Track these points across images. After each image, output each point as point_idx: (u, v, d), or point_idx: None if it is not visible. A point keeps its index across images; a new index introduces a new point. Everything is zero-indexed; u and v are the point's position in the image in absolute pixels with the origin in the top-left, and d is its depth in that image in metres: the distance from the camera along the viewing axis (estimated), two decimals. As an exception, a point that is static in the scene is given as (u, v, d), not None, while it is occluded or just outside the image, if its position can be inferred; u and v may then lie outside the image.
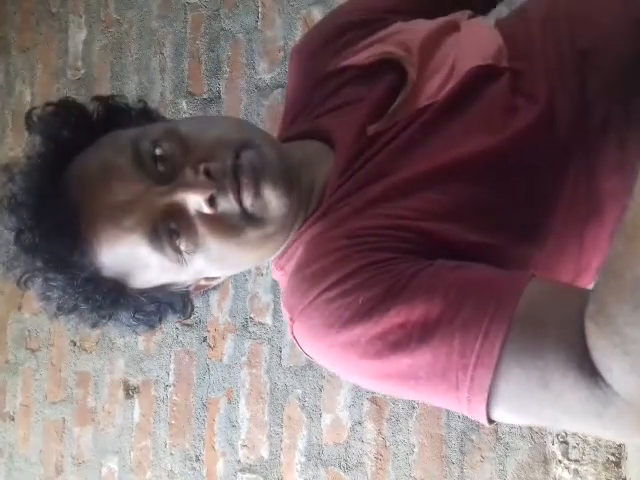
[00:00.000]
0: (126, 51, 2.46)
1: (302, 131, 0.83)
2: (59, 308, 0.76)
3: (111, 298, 0.75)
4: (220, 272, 0.80)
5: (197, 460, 2.13)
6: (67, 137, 0.76)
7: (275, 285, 2.05)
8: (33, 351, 2.49)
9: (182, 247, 0.70)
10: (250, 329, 2.09)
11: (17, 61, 2.72)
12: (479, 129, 0.70)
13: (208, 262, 0.73)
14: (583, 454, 1.62)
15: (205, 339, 2.16)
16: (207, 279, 0.81)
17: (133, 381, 2.27)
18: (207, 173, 0.68)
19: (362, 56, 0.82)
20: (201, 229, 0.70)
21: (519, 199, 0.68)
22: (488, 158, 0.68)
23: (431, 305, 0.58)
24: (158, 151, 0.70)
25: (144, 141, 0.71)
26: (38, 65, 2.65)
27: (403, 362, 0.59)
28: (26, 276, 0.74)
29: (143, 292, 0.77)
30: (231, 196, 0.68)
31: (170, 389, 2.20)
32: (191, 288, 0.82)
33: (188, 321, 2.19)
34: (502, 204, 0.68)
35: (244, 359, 2.08)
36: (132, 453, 2.25)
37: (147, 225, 0.69)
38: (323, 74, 0.85)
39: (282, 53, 2.15)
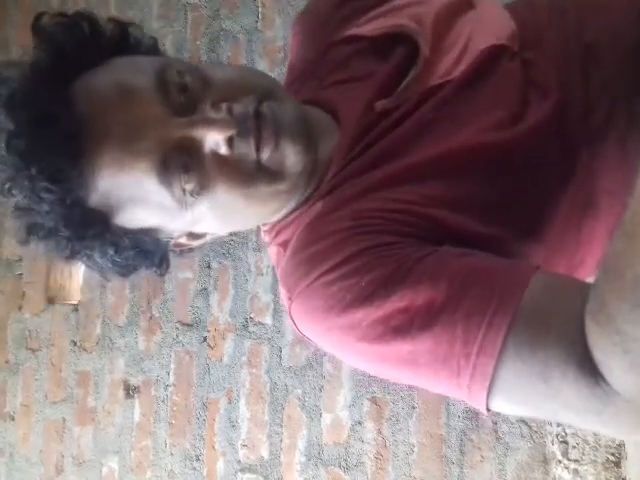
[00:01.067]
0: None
1: (307, 99, 0.78)
2: (37, 228, 0.68)
3: (94, 230, 0.68)
4: (217, 226, 0.74)
5: (197, 460, 2.12)
6: (76, 48, 0.70)
7: (275, 285, 2.05)
8: (33, 351, 2.49)
9: (189, 186, 0.65)
10: (250, 329, 2.09)
11: (17, 61, 2.72)
12: (492, 115, 0.68)
13: (211, 210, 0.68)
14: (583, 454, 1.62)
15: (205, 339, 2.16)
16: (190, 236, 0.76)
17: (133, 381, 2.27)
18: (229, 113, 0.65)
19: (372, 27, 0.78)
20: (213, 170, 0.65)
21: (526, 193, 0.68)
22: (499, 151, 0.67)
23: (435, 292, 0.57)
24: (186, 79, 0.66)
25: (170, 69, 0.67)
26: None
27: (404, 348, 0.58)
28: (11, 182, 0.65)
29: (126, 232, 0.70)
30: (251, 141, 0.65)
31: (170, 389, 2.20)
32: (171, 242, 0.76)
33: (188, 321, 2.19)
34: (509, 197, 0.67)
35: (244, 359, 2.08)
36: (132, 453, 2.25)
37: (158, 154, 0.64)
38: (329, 42, 0.81)
39: (282, 53, 2.15)
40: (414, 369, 0.59)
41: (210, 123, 0.64)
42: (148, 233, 0.72)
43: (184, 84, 0.66)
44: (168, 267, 0.78)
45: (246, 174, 0.66)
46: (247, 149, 0.65)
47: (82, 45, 0.70)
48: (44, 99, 0.64)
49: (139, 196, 0.66)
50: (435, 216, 0.64)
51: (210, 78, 0.68)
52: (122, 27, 0.74)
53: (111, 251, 0.71)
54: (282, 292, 0.71)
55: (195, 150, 0.65)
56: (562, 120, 0.68)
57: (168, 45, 2.37)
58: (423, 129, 0.69)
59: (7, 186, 0.66)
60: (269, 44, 2.18)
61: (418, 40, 0.73)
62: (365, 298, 0.60)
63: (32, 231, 0.68)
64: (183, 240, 0.77)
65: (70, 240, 0.69)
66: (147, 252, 0.74)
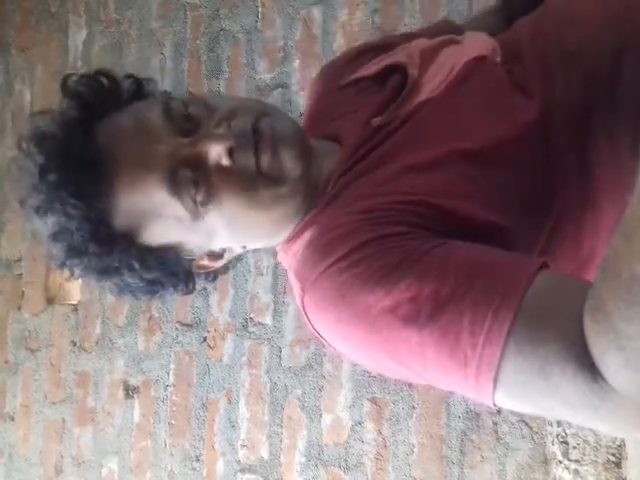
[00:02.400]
0: (126, 51, 2.46)
1: (314, 135, 0.86)
2: (70, 249, 0.76)
3: (121, 246, 0.76)
4: (230, 236, 0.79)
5: (197, 460, 2.13)
6: (97, 98, 0.80)
7: (275, 285, 2.05)
8: (33, 351, 2.49)
9: (199, 197, 0.72)
10: (250, 329, 2.09)
11: (17, 61, 2.72)
12: (481, 114, 0.73)
13: (221, 220, 0.74)
14: (583, 454, 1.62)
15: (205, 339, 2.16)
16: (210, 257, 0.83)
17: (133, 381, 2.27)
18: (228, 129, 0.72)
19: (371, 68, 0.87)
20: (216, 181, 0.72)
21: (523, 186, 0.70)
22: (493, 145, 0.70)
23: (442, 283, 0.59)
24: (188, 109, 0.74)
25: (175, 100, 0.76)
26: (38, 65, 2.66)
27: (412, 338, 0.60)
28: (45, 206, 0.75)
29: (151, 250, 0.78)
30: (250, 152, 0.72)
31: (170, 389, 2.20)
32: (195, 263, 0.82)
33: (188, 321, 2.19)
34: (507, 188, 0.69)
35: (244, 359, 2.08)
36: (132, 453, 2.25)
37: (167, 168, 0.72)
38: (337, 87, 0.90)
39: (282, 53, 2.15)
40: (422, 361, 0.60)
41: (211, 137, 0.72)
42: (171, 250, 0.78)
43: (188, 114, 0.74)
44: (194, 287, 0.85)
45: (247, 182, 0.72)
46: (247, 160, 0.72)
47: (102, 96, 0.80)
48: (69, 135, 0.74)
49: (155, 211, 0.74)
50: (441, 205, 0.67)
51: (213, 105, 0.76)
52: (137, 81, 0.85)
53: (137, 266, 0.78)
54: (295, 288, 0.74)
55: (201, 164, 0.72)
56: (549, 117, 0.71)
57: (168, 45, 2.37)
58: (418, 132, 0.74)
59: (41, 210, 0.75)
60: (269, 44, 2.18)
61: (407, 67, 0.81)
62: (374, 284, 0.62)
63: (67, 253, 0.76)
64: (205, 262, 0.83)
65: (99, 257, 0.76)
66: (172, 270, 0.81)
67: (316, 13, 2.11)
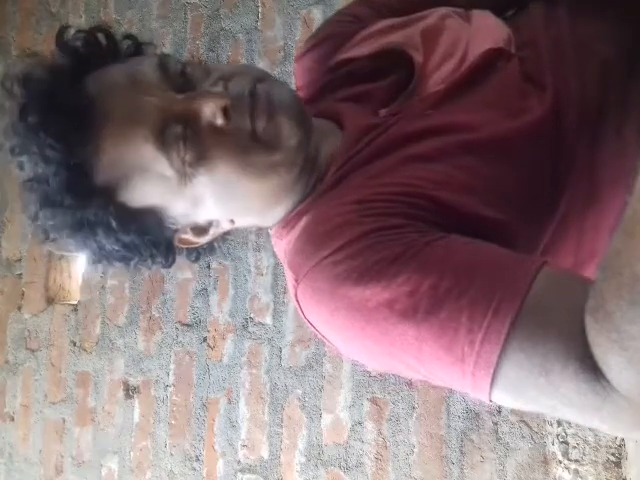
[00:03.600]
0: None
1: (312, 111, 0.82)
2: (44, 198, 0.71)
3: (98, 201, 0.71)
4: (218, 206, 0.74)
5: (197, 460, 2.12)
6: (92, 51, 0.76)
7: (275, 285, 2.05)
8: (33, 351, 2.49)
9: (188, 157, 0.68)
10: (250, 329, 2.09)
11: (17, 61, 2.71)
12: (492, 109, 0.71)
13: (210, 186, 0.70)
14: (583, 454, 1.62)
15: (205, 339, 2.16)
16: (194, 231, 0.78)
17: (133, 381, 2.27)
18: (225, 88, 0.69)
19: (363, 49, 0.83)
20: (209, 141, 0.69)
21: (528, 180, 0.69)
22: (501, 140, 0.69)
23: (441, 277, 0.58)
24: (185, 68, 0.71)
25: (172, 58, 0.73)
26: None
27: (409, 333, 0.58)
28: (20, 147, 0.70)
29: (132, 211, 0.72)
30: (245, 114, 0.68)
31: (170, 389, 2.20)
32: (177, 235, 0.77)
33: (188, 321, 2.19)
34: (512, 183, 0.68)
35: (244, 359, 2.08)
36: (132, 453, 2.24)
37: (157, 122, 0.68)
38: (326, 69, 0.86)
39: (282, 53, 2.15)
40: (418, 356, 0.59)
41: (206, 94, 0.69)
42: (152, 215, 0.73)
43: (184, 70, 0.71)
44: (174, 259, 0.79)
45: (242, 144, 0.69)
46: (242, 121, 0.68)
47: (97, 49, 0.77)
48: (59, 79, 0.71)
49: (140, 166, 0.69)
50: (440, 197, 0.65)
51: (210, 68, 0.73)
52: (136, 42, 0.81)
53: (115, 225, 0.72)
54: (288, 278, 0.71)
55: (193, 121, 0.68)
56: (561, 112, 0.69)
57: (168, 45, 2.37)
58: (424, 124, 0.71)
59: (17, 149, 0.71)
60: (269, 44, 2.18)
61: (409, 51, 0.77)
62: (372, 277, 0.60)
63: (41, 202, 0.71)
64: (188, 236, 0.78)
65: (74, 210, 0.71)
66: (152, 238, 0.75)
67: (316, 13, 2.11)
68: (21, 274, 2.57)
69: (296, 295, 0.68)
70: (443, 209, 0.65)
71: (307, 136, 0.72)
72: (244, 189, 0.72)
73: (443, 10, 0.83)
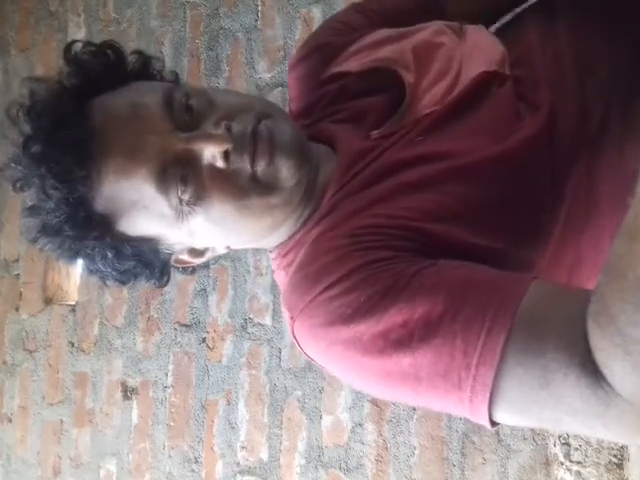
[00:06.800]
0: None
1: (306, 131, 0.83)
2: (44, 227, 0.73)
3: (96, 232, 0.73)
4: (212, 240, 0.77)
5: (196, 462, 2.12)
6: (99, 71, 0.76)
7: (274, 286, 2.04)
8: (31, 352, 2.49)
9: (186, 196, 0.69)
10: (249, 330, 2.08)
11: (16, 61, 2.71)
12: (483, 135, 0.71)
13: (205, 223, 0.72)
14: (585, 456, 1.61)
15: (204, 340, 2.15)
16: (192, 253, 0.80)
17: (131, 382, 2.27)
18: (228, 130, 0.70)
19: (355, 64, 0.83)
20: (208, 182, 0.70)
21: (521, 204, 0.69)
22: (491, 164, 0.69)
23: (433, 304, 0.58)
24: (190, 101, 0.72)
25: (177, 91, 0.73)
26: (37, 65, 2.65)
27: (405, 361, 0.59)
28: (24, 180, 0.72)
29: (129, 239, 0.75)
30: (246, 156, 0.69)
31: (169, 390, 2.20)
32: (174, 257, 0.80)
33: (187, 322, 2.19)
34: (504, 208, 0.68)
35: (243, 360, 2.08)
36: (130, 455, 2.24)
37: (158, 163, 0.69)
38: (318, 82, 0.86)
39: (282, 52, 2.15)
40: (415, 384, 0.59)
41: (208, 137, 0.69)
42: (149, 243, 0.75)
43: (190, 105, 0.71)
44: (168, 280, 0.82)
45: (240, 187, 0.70)
46: (242, 163, 0.70)
47: (105, 68, 0.77)
48: (62, 109, 0.71)
49: (139, 203, 0.71)
50: (428, 229, 0.66)
51: (215, 100, 0.73)
52: (144, 58, 0.81)
53: (111, 255, 0.75)
54: (285, 314, 0.72)
55: (193, 162, 0.70)
56: (556, 131, 0.70)
57: (167, 44, 2.36)
58: (415, 151, 0.72)
59: (19, 184, 0.73)
60: (269, 43, 2.18)
61: (399, 70, 0.78)
62: (365, 312, 0.61)
63: (40, 230, 0.73)
64: (185, 257, 0.80)
65: (73, 240, 0.73)
66: (147, 262, 0.78)
67: (316, 12, 2.11)
68: (19, 274, 2.57)
69: (293, 331, 0.70)
70: (434, 241, 0.66)
71: (307, 173, 0.73)
72: (239, 226, 0.74)
73: (437, 25, 0.83)
